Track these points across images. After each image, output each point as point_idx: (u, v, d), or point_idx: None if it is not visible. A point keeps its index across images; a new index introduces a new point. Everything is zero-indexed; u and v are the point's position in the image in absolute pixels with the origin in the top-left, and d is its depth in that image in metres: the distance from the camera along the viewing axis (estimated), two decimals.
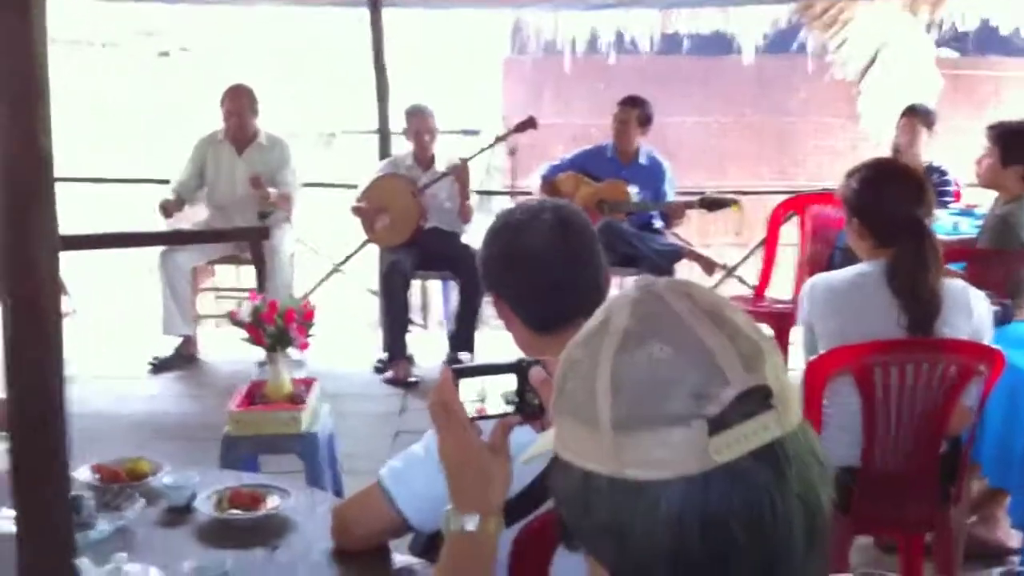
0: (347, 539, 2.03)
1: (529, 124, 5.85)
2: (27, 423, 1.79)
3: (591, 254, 2.04)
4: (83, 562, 1.77)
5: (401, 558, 2.22)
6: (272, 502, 2.18)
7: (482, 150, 5.91)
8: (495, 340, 6.08)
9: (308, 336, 3.43)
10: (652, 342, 0.93)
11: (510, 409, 1.47)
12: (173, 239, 5.92)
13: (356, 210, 5.90)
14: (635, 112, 5.97)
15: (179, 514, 2.20)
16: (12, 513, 1.94)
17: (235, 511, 2.15)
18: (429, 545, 2.28)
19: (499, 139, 6.04)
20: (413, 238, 5.82)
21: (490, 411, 1.47)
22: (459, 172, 5.74)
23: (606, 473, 0.92)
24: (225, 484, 2.27)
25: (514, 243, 2.01)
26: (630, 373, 0.93)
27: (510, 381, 1.47)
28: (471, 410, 1.46)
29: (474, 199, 5.90)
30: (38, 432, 1.79)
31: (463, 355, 5.80)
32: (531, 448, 1.14)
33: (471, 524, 1.47)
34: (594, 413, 0.93)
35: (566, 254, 2.00)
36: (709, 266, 6.08)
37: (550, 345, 1.98)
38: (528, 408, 1.47)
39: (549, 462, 1.06)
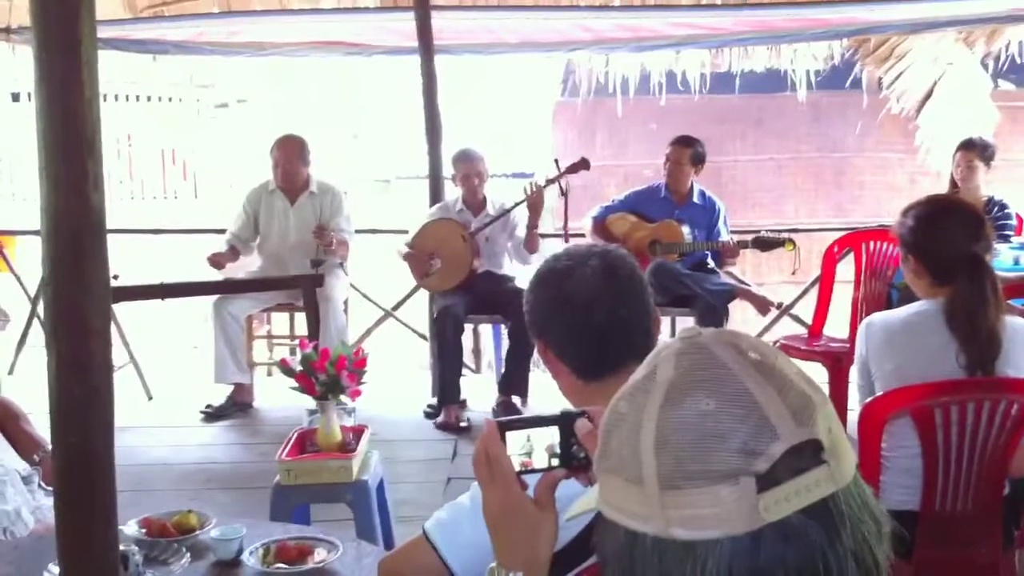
0: None
1: (581, 165, 5.83)
2: (74, 480, 1.79)
3: (639, 300, 2.00)
4: None
5: None
6: (319, 555, 2.16)
7: (548, 181, 5.89)
8: (549, 385, 6.05)
9: (360, 384, 3.42)
10: (698, 395, 0.90)
11: (555, 463, 1.44)
12: (226, 288, 5.96)
13: (405, 256, 5.92)
14: (688, 152, 5.93)
15: (226, 568, 2.19)
16: (57, 570, 1.94)
17: (282, 565, 2.13)
18: None
19: (550, 181, 6.02)
20: (465, 282, 5.81)
21: (536, 464, 1.44)
22: (533, 198, 5.71)
23: (652, 532, 0.89)
24: (273, 537, 2.25)
25: (560, 289, 1.97)
26: (675, 428, 0.89)
27: (555, 434, 1.44)
28: (516, 464, 1.43)
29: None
30: (85, 489, 1.79)
31: (515, 399, 5.77)
32: (575, 505, 1.11)
33: None
34: (639, 470, 0.90)
35: (613, 300, 1.96)
36: (763, 305, 5.99)
37: (598, 393, 1.95)
38: (573, 461, 1.43)
39: (594, 518, 1.03)
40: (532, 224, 5.78)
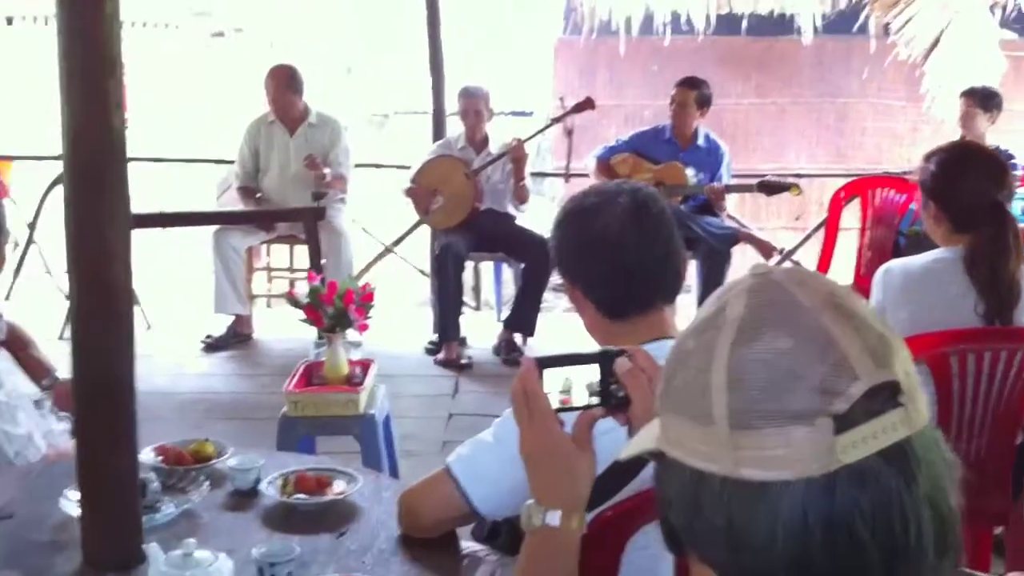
0: (415, 526, 1.99)
1: (586, 105, 5.77)
2: (96, 405, 1.77)
3: (668, 239, 1.97)
4: (152, 547, 1.74)
5: (466, 544, 2.19)
6: (338, 487, 2.15)
7: (539, 131, 5.85)
8: (555, 324, 6.05)
9: (367, 318, 3.39)
10: (773, 332, 0.87)
11: (594, 401, 1.41)
12: (236, 218, 5.96)
13: (409, 192, 5.87)
14: (693, 94, 5.87)
15: (244, 498, 2.17)
16: (77, 495, 1.93)
17: (301, 495, 2.12)
18: (492, 532, 2.25)
19: (555, 120, 5.96)
20: (467, 220, 5.77)
21: (574, 403, 1.42)
22: (515, 152, 5.67)
23: (720, 472, 0.87)
24: (290, 467, 2.24)
25: (589, 227, 1.95)
26: (750, 366, 0.87)
27: (595, 372, 1.41)
28: (555, 401, 1.41)
29: (528, 180, 5.84)
30: (107, 414, 1.77)
31: (517, 337, 5.77)
32: (631, 444, 1.08)
33: (554, 519, 1.42)
34: (708, 408, 0.87)
35: (642, 239, 1.93)
36: (766, 250, 5.98)
37: (624, 332, 1.94)
38: (613, 400, 1.41)
39: (644, 457, 1.01)
40: (517, 176, 5.73)
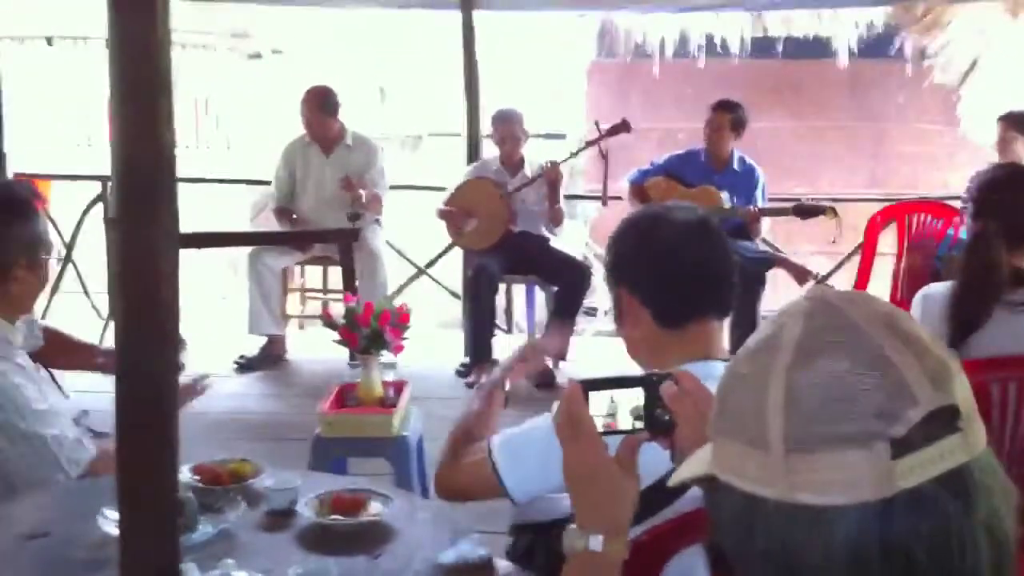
0: (448, 495, 2.13)
1: (622, 128, 5.76)
2: (139, 424, 1.76)
3: (726, 251, 2.05)
4: (189, 567, 1.74)
5: (504, 564, 2.18)
6: (374, 508, 2.15)
7: (573, 153, 5.86)
8: (587, 348, 6.03)
9: (403, 339, 3.40)
10: (831, 355, 0.86)
11: (639, 425, 1.40)
12: (275, 239, 6.02)
13: (442, 213, 5.89)
14: (729, 117, 5.85)
15: (280, 517, 2.17)
16: (115, 514, 1.93)
17: (337, 516, 2.12)
18: (528, 553, 2.24)
19: (591, 143, 5.96)
20: (501, 242, 5.77)
21: (619, 426, 1.41)
22: (550, 175, 5.68)
23: (774, 497, 0.86)
24: (325, 488, 2.24)
25: (651, 232, 2.01)
26: (806, 389, 0.86)
27: (640, 396, 1.40)
28: (599, 425, 1.40)
29: (562, 203, 5.84)
30: (149, 434, 1.77)
31: (548, 361, 5.75)
32: (682, 469, 1.08)
33: (596, 544, 1.40)
34: (763, 432, 0.87)
35: (703, 247, 2.00)
36: (801, 274, 5.93)
37: (674, 342, 1.99)
38: (658, 424, 1.40)
39: (690, 483, 1.00)
40: (552, 199, 5.73)
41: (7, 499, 2.34)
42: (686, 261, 1.98)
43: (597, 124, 5.92)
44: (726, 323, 2.09)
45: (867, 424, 0.83)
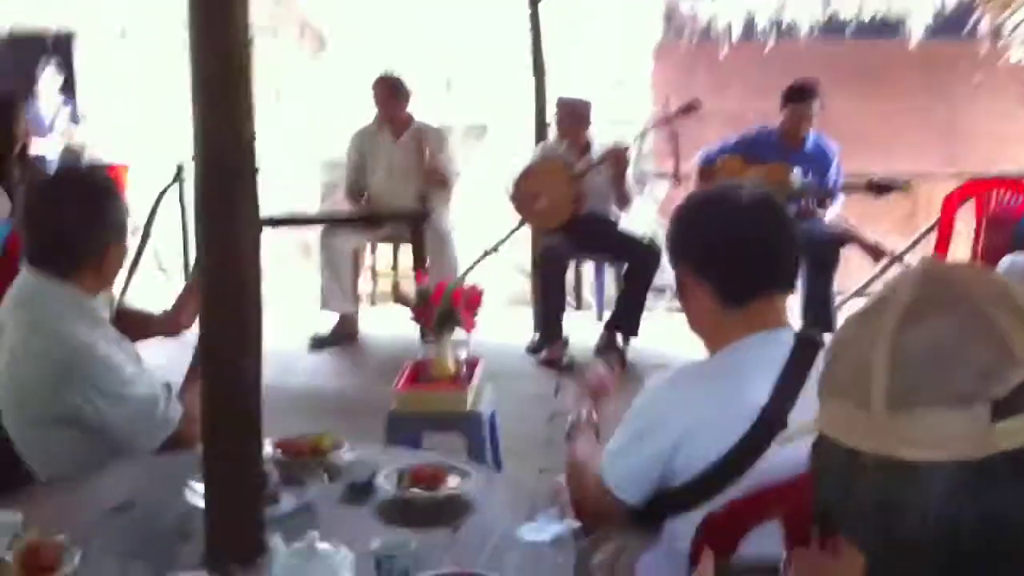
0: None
1: (693, 106, 5.72)
2: (224, 401, 1.81)
3: (790, 227, 2.05)
4: (274, 539, 1.77)
5: None
6: (453, 481, 2.17)
7: (643, 132, 5.84)
8: (657, 325, 6.00)
9: (474, 317, 3.42)
10: (938, 317, 0.89)
11: None
12: (348, 220, 6.10)
13: (512, 194, 5.90)
14: (814, 103, 5.76)
15: (361, 491, 2.20)
16: (201, 486, 1.97)
17: (416, 489, 2.14)
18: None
19: (661, 120, 5.94)
20: (569, 222, 5.78)
21: None
22: (616, 158, 5.66)
23: (875, 452, 0.89)
24: (404, 462, 2.26)
25: (716, 209, 2.03)
26: (912, 347, 0.88)
27: None
28: None
29: (631, 182, 5.82)
30: (234, 410, 1.81)
31: (619, 337, 5.74)
32: (791, 428, 1.10)
33: None
34: (867, 388, 0.89)
35: (767, 225, 2.01)
36: (877, 253, 5.85)
37: (737, 321, 2.00)
38: None
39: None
40: (618, 183, 5.70)
41: (112, 458, 2.42)
42: (747, 239, 1.98)
43: (667, 101, 5.89)
44: (790, 298, 2.10)
45: (969, 384, 0.85)
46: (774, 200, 2.03)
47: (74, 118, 8.55)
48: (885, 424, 0.87)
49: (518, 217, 6.00)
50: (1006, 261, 2.92)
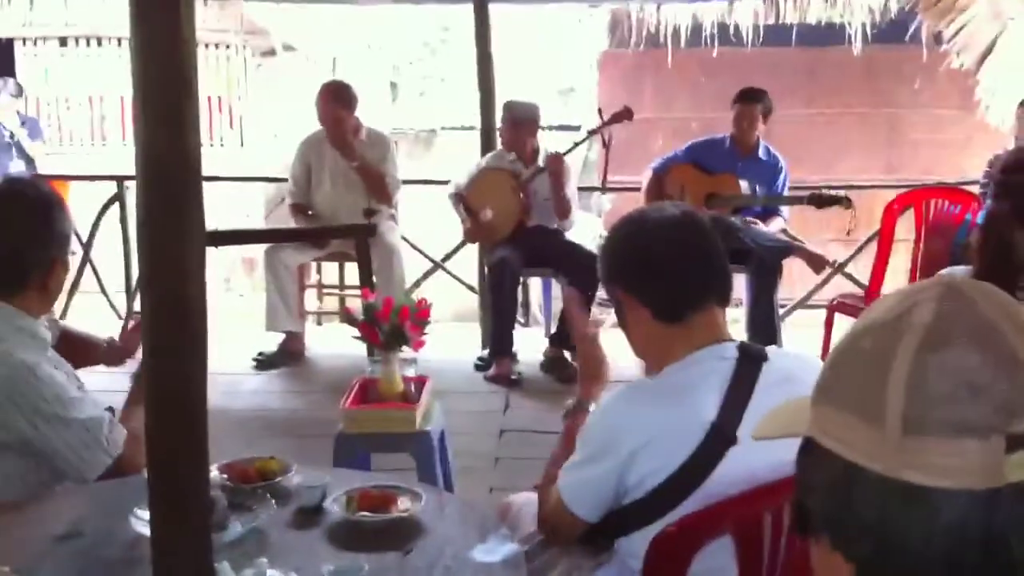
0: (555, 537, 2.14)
1: (624, 115, 5.74)
2: (169, 423, 1.77)
3: (715, 241, 2.07)
4: (223, 566, 1.75)
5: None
6: (403, 504, 2.15)
7: (576, 144, 5.87)
8: (603, 340, 6.00)
9: (423, 335, 3.40)
10: (961, 345, 0.89)
11: None
12: (294, 236, 6.00)
13: (457, 199, 5.88)
14: (758, 106, 5.82)
15: (310, 515, 2.18)
16: (147, 513, 1.93)
17: (366, 513, 2.12)
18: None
19: (592, 132, 5.97)
20: (514, 234, 5.77)
21: None
22: (552, 165, 5.66)
23: (880, 471, 0.89)
24: (353, 484, 2.24)
25: (639, 229, 2.06)
26: (933, 374, 0.88)
27: None
28: None
29: (572, 194, 5.83)
30: (180, 433, 1.77)
31: (567, 353, 5.75)
32: (765, 425, 1.09)
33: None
34: (880, 407, 0.89)
35: (693, 237, 2.04)
36: (819, 263, 5.91)
37: (680, 335, 2.03)
38: None
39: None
40: (556, 189, 5.70)
41: (56, 484, 2.38)
42: (675, 255, 2.02)
43: (600, 112, 5.91)
44: (733, 311, 2.14)
45: (989, 417, 0.86)
46: (697, 215, 2.08)
47: (33, 134, 8.36)
48: (896, 446, 0.88)
49: (463, 229, 5.99)
50: (944, 274, 2.95)
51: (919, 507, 0.87)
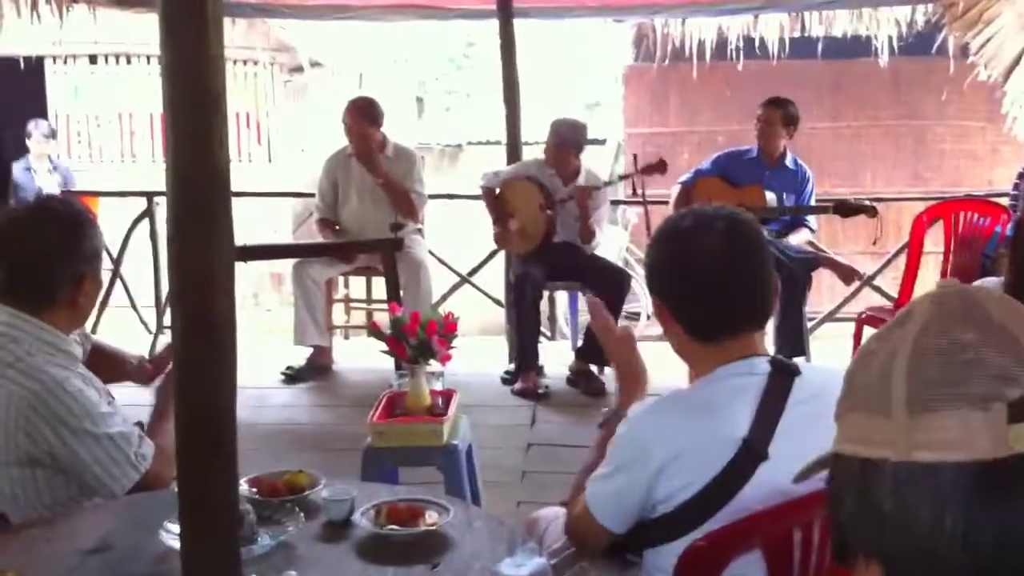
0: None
1: (657, 168, 5.71)
2: (199, 436, 1.79)
3: (761, 263, 2.00)
4: None
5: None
6: (431, 517, 2.15)
7: (607, 183, 5.88)
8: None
9: (450, 348, 3.40)
10: (957, 327, 0.92)
11: None
12: (322, 250, 6.02)
13: (487, 193, 5.90)
14: (779, 112, 5.80)
15: (338, 528, 2.18)
16: (177, 527, 1.95)
17: (394, 527, 2.12)
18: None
19: (623, 178, 6.08)
20: (541, 248, 5.78)
21: None
22: (579, 199, 5.67)
23: (893, 458, 0.90)
24: (381, 498, 2.25)
25: (683, 249, 1.98)
26: (932, 353, 0.91)
27: None
28: None
29: (602, 216, 5.84)
30: (209, 446, 1.79)
31: (593, 367, 5.74)
32: (807, 467, 1.10)
33: None
34: (887, 396, 0.92)
35: (735, 264, 1.97)
36: (848, 275, 5.88)
37: (713, 354, 1.99)
38: None
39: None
40: (582, 219, 5.70)
41: (83, 499, 2.39)
42: (717, 278, 1.95)
43: (635, 158, 5.95)
44: (767, 327, 2.09)
45: (988, 385, 0.88)
46: (752, 229, 1.99)
47: (66, 182, 8.40)
48: (904, 429, 0.90)
49: (492, 240, 6.01)
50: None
51: (930, 484, 0.88)
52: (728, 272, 1.95)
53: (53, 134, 8.62)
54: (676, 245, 2.00)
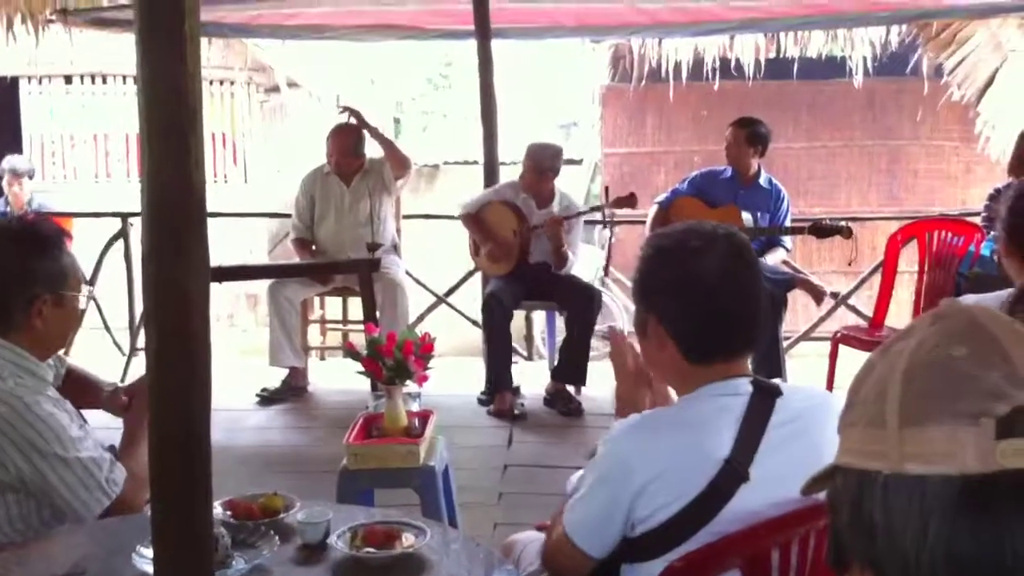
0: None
1: (626, 202, 5.79)
2: (173, 459, 1.77)
3: (758, 288, 2.00)
4: None
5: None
6: (407, 540, 2.13)
7: (579, 213, 5.90)
8: (606, 373, 5.99)
9: (427, 369, 3.39)
10: (952, 342, 0.94)
11: None
12: (299, 271, 5.99)
13: (465, 220, 5.89)
14: (744, 132, 5.82)
15: (314, 551, 2.16)
16: (150, 551, 1.92)
17: (371, 549, 2.10)
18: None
19: (595, 208, 6.11)
20: (514, 272, 5.78)
21: None
22: (549, 230, 5.68)
23: (885, 470, 0.92)
24: (358, 520, 2.23)
25: (687, 268, 1.95)
26: (926, 367, 0.93)
27: None
28: None
29: (575, 238, 5.86)
30: (183, 469, 1.77)
31: (569, 388, 5.73)
32: (811, 482, 1.11)
33: None
34: (882, 409, 0.94)
35: (737, 288, 1.96)
36: (819, 295, 5.92)
37: (700, 375, 1.98)
38: None
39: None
40: (555, 246, 5.71)
41: (56, 524, 2.36)
42: (720, 303, 1.94)
43: (607, 190, 6.00)
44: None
45: (978, 400, 0.89)
46: (749, 253, 1.98)
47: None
48: (897, 441, 0.91)
49: (471, 261, 6.01)
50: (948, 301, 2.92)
51: (918, 495, 0.89)
52: (732, 295, 1.94)
53: (32, 172, 7.95)
54: (680, 265, 1.96)
